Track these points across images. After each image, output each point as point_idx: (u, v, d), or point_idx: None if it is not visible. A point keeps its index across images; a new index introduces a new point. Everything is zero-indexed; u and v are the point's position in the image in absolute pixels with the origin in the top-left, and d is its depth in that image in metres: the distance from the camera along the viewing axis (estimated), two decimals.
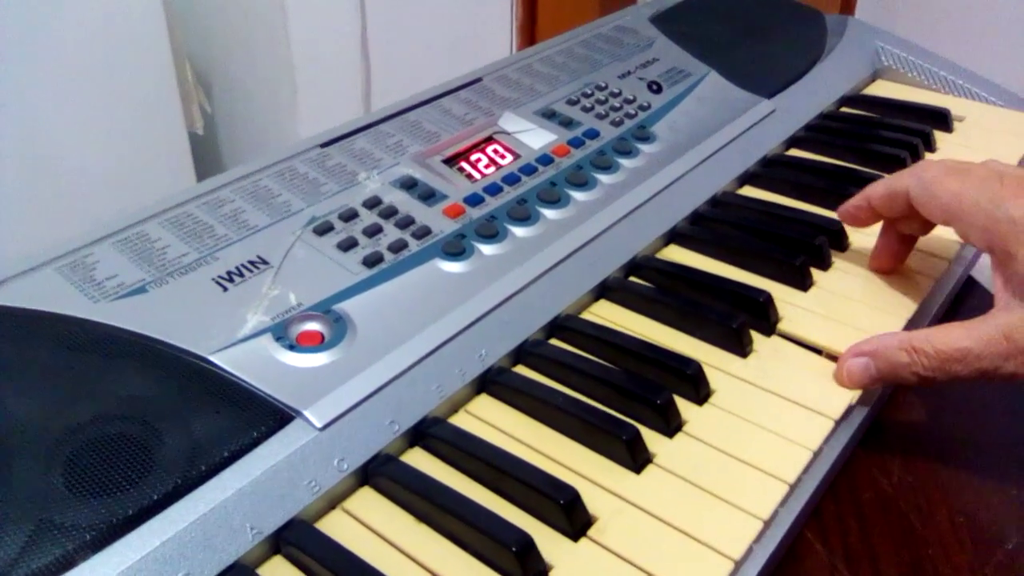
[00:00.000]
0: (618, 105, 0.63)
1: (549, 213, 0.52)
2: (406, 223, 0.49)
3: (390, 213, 0.49)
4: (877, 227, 0.52)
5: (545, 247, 0.50)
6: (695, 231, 0.55)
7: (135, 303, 0.42)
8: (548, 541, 0.35)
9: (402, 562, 0.35)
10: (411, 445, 0.40)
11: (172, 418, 0.37)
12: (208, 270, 0.44)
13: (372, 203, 0.50)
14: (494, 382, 0.43)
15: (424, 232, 0.48)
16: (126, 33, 1.08)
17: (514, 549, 0.34)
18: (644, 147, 0.59)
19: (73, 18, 1.03)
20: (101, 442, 0.36)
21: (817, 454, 0.40)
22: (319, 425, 0.38)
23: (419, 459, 0.40)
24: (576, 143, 0.58)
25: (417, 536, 0.36)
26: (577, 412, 0.41)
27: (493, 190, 0.53)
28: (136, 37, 1.10)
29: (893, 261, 0.52)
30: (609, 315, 0.49)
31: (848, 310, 0.49)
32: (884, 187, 0.49)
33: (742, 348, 0.46)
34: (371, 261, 0.46)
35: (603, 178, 0.56)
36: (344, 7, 1.27)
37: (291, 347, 0.41)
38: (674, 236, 0.55)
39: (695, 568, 0.35)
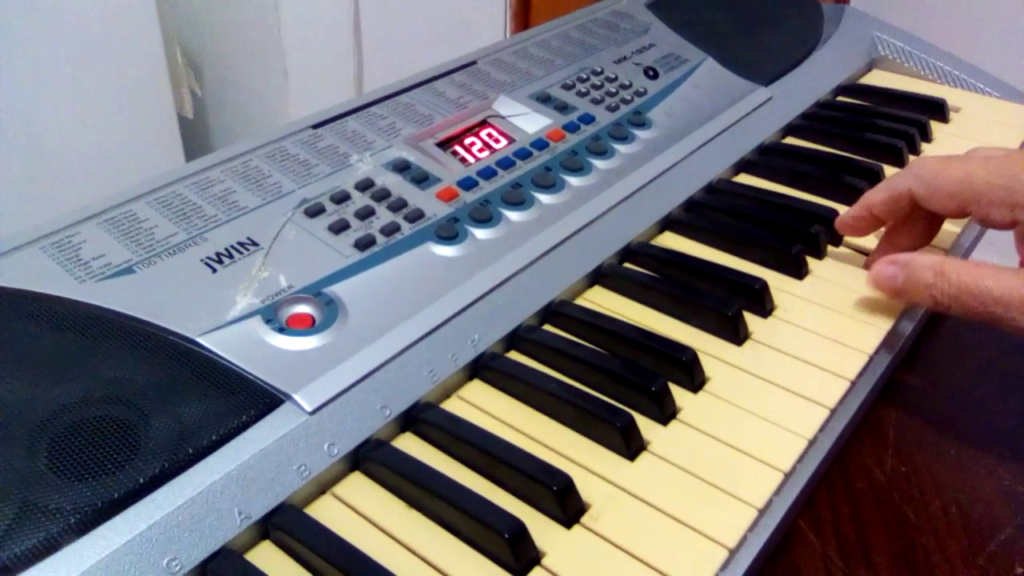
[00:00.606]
0: (614, 90, 0.62)
1: (543, 198, 0.51)
2: (399, 206, 0.48)
3: (382, 196, 0.49)
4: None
5: (539, 232, 0.49)
6: (690, 218, 0.55)
7: (122, 283, 0.41)
8: (541, 528, 0.35)
9: (393, 548, 0.35)
10: (402, 430, 0.40)
11: (159, 400, 0.36)
12: (197, 251, 0.43)
13: (364, 185, 0.49)
14: (487, 367, 0.43)
15: (417, 215, 0.48)
16: (115, 15, 1.07)
17: (506, 536, 0.33)
18: (640, 133, 0.59)
19: (63, 1, 1.01)
20: (86, 424, 0.35)
21: (812, 443, 0.40)
22: (309, 409, 0.37)
23: (410, 444, 0.39)
24: (571, 128, 0.57)
25: (408, 522, 0.36)
26: (571, 398, 0.40)
27: (487, 174, 0.52)
28: (126, 20, 1.08)
29: None
30: (603, 301, 0.48)
31: (844, 298, 0.49)
32: (884, 192, 0.48)
33: (737, 336, 0.45)
34: (363, 244, 0.45)
35: (598, 163, 0.55)
36: None
37: (281, 330, 0.40)
38: (669, 223, 0.55)
39: (689, 556, 0.34)
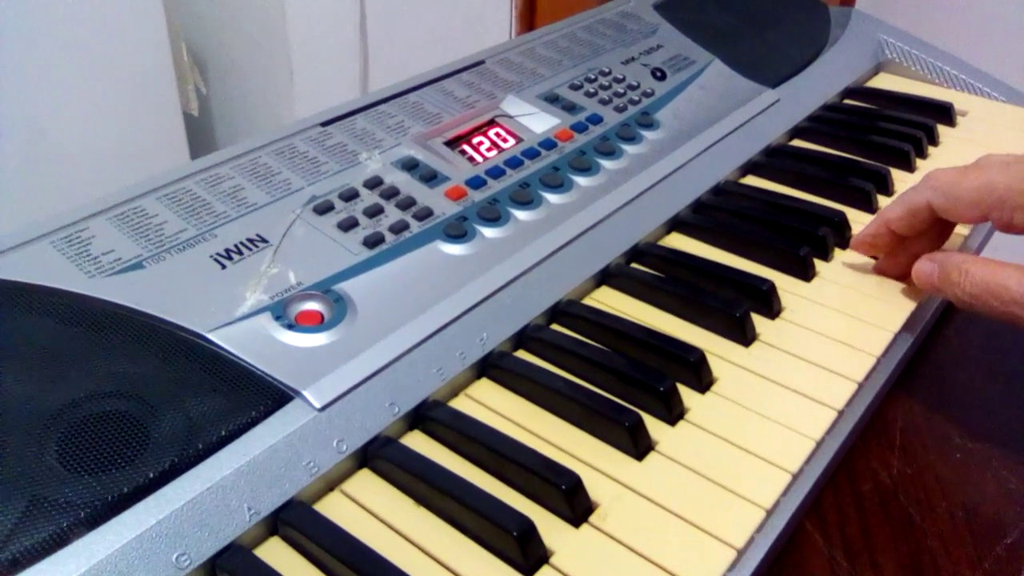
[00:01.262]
0: (622, 91, 0.62)
1: (551, 197, 0.51)
2: (407, 204, 0.48)
3: (391, 194, 0.49)
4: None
5: (547, 231, 0.49)
6: (698, 219, 0.55)
7: (132, 279, 0.41)
8: (549, 526, 0.35)
9: (401, 545, 0.35)
10: (411, 428, 0.40)
11: (169, 396, 0.36)
12: (206, 247, 0.43)
13: (373, 183, 0.49)
14: (495, 366, 0.43)
15: (425, 213, 0.48)
16: (122, 13, 1.07)
17: (515, 534, 0.33)
18: (647, 134, 0.59)
19: None
20: (96, 419, 0.35)
21: (819, 444, 0.40)
22: (318, 406, 0.37)
23: (419, 442, 0.39)
24: (579, 128, 0.57)
25: (416, 519, 0.36)
26: (579, 398, 0.40)
27: (495, 173, 0.52)
28: (132, 17, 1.08)
29: (901, 275, 0.51)
30: (611, 301, 0.48)
31: (851, 300, 0.49)
32: (901, 207, 0.48)
33: (745, 336, 0.45)
34: (372, 241, 0.45)
35: (606, 164, 0.55)
36: None
37: (290, 326, 0.40)
38: (676, 224, 0.55)
39: (697, 556, 0.34)
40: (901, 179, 0.61)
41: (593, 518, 0.36)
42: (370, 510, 0.36)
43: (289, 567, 0.34)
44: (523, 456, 0.37)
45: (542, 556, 0.34)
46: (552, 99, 0.60)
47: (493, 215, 0.49)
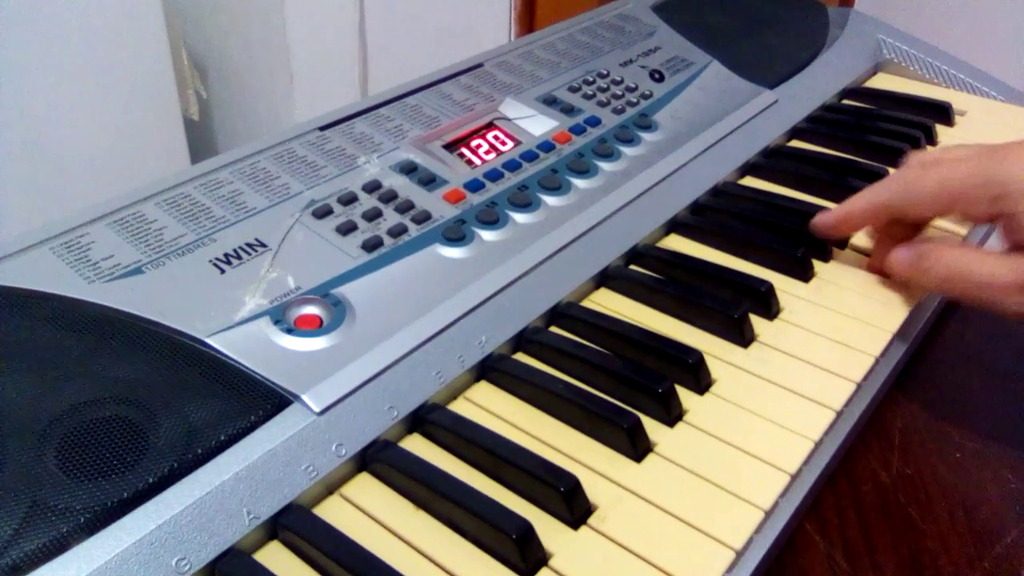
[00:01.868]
0: (620, 93, 0.63)
1: (550, 200, 0.52)
2: (406, 208, 0.48)
3: (390, 197, 0.49)
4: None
5: (546, 234, 0.49)
6: (696, 221, 0.55)
7: (131, 284, 0.41)
8: (548, 529, 0.35)
9: (400, 549, 0.35)
10: (410, 431, 0.40)
11: (168, 400, 0.36)
12: (205, 252, 0.44)
13: (372, 187, 0.49)
14: (494, 369, 0.43)
15: (424, 217, 0.48)
16: (122, 18, 1.07)
17: (514, 536, 0.33)
18: (646, 135, 0.59)
19: (70, 3, 1.02)
20: (96, 424, 0.35)
21: (818, 445, 0.40)
22: (317, 410, 0.37)
23: (418, 445, 0.39)
24: (577, 130, 0.58)
25: (416, 523, 0.36)
26: (578, 400, 0.40)
27: (494, 176, 0.52)
28: (132, 21, 1.09)
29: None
30: (610, 303, 0.48)
31: (849, 301, 0.49)
32: (864, 203, 0.49)
33: (743, 338, 0.45)
34: (370, 245, 0.45)
35: (604, 166, 0.55)
36: None
37: (289, 331, 0.40)
38: (675, 225, 0.55)
39: (696, 558, 0.34)
40: None
41: (592, 520, 0.36)
42: (369, 514, 0.36)
43: (289, 571, 0.34)
44: (522, 459, 0.37)
45: (541, 558, 0.34)
46: (550, 101, 0.60)
47: (491, 218, 0.49)
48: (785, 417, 0.41)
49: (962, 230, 0.56)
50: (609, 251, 0.50)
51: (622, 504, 0.37)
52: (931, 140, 0.66)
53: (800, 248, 0.51)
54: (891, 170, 0.61)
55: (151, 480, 0.34)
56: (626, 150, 0.57)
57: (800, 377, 0.43)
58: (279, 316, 0.41)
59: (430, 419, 0.40)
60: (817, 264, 0.52)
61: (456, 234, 0.47)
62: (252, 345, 0.39)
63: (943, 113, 0.69)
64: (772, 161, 0.62)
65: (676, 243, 0.54)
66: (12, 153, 1.03)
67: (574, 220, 0.51)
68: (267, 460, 0.35)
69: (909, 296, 0.49)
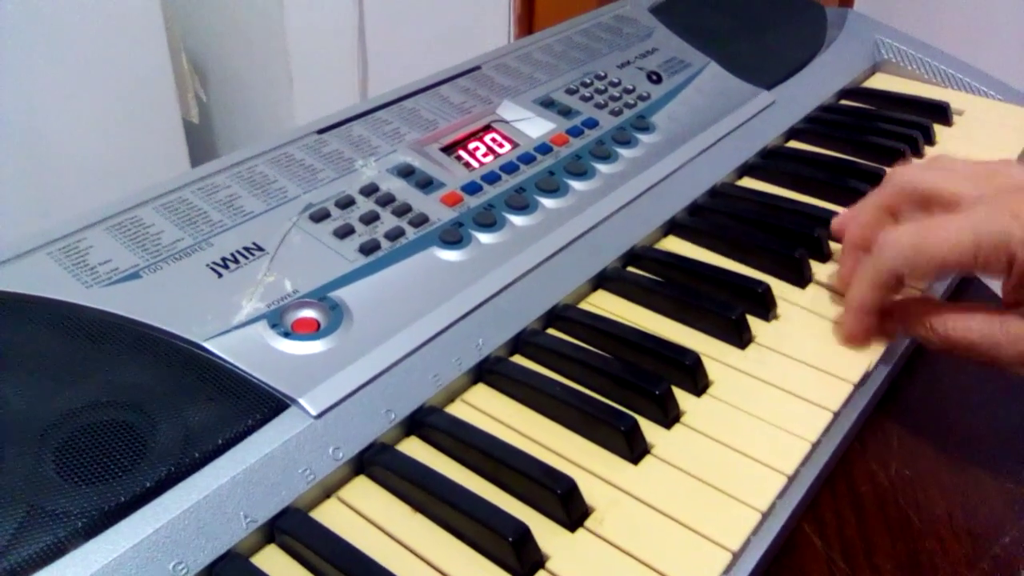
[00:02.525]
0: (617, 95, 0.63)
1: (547, 202, 0.52)
2: (403, 211, 0.48)
3: (387, 200, 0.49)
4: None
5: (543, 236, 0.49)
6: (694, 222, 0.55)
7: (129, 288, 0.41)
8: (545, 531, 0.35)
9: (398, 552, 0.35)
10: (407, 434, 0.40)
11: (165, 405, 0.36)
12: (203, 256, 0.44)
13: (369, 190, 0.49)
14: (491, 371, 0.43)
15: (421, 220, 0.48)
16: (121, 21, 1.07)
17: (511, 539, 0.33)
18: (643, 137, 0.59)
19: (69, 6, 1.02)
20: (93, 428, 0.35)
21: (815, 446, 0.40)
22: (314, 413, 0.37)
23: (415, 448, 0.39)
24: (575, 132, 0.58)
25: (413, 526, 0.36)
26: (575, 402, 0.41)
27: (491, 179, 0.52)
28: (131, 25, 1.09)
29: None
30: (607, 305, 0.49)
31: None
32: (872, 287, 0.44)
33: (740, 339, 0.45)
34: (368, 248, 0.46)
35: (602, 168, 0.55)
36: None
37: (286, 334, 0.40)
38: (673, 227, 0.55)
39: (693, 559, 0.34)
40: None
41: (589, 522, 0.36)
42: (367, 517, 0.36)
43: (286, 575, 0.34)
44: (519, 461, 0.37)
45: (538, 561, 0.34)
46: (548, 104, 0.60)
47: (489, 220, 0.49)
48: (782, 418, 0.41)
49: None
50: (607, 253, 0.50)
51: (619, 506, 0.37)
52: (929, 140, 0.66)
53: (797, 249, 0.51)
54: (889, 171, 0.61)
55: (148, 484, 0.34)
56: (624, 152, 0.57)
57: (797, 378, 0.43)
58: (276, 320, 0.41)
59: (427, 422, 0.40)
60: (815, 265, 0.51)
61: (453, 237, 0.47)
62: (249, 349, 0.39)
63: (941, 113, 0.69)
64: (770, 162, 0.62)
65: (674, 245, 0.54)
66: (12, 156, 1.03)
67: (571, 222, 0.51)
68: (264, 464, 0.35)
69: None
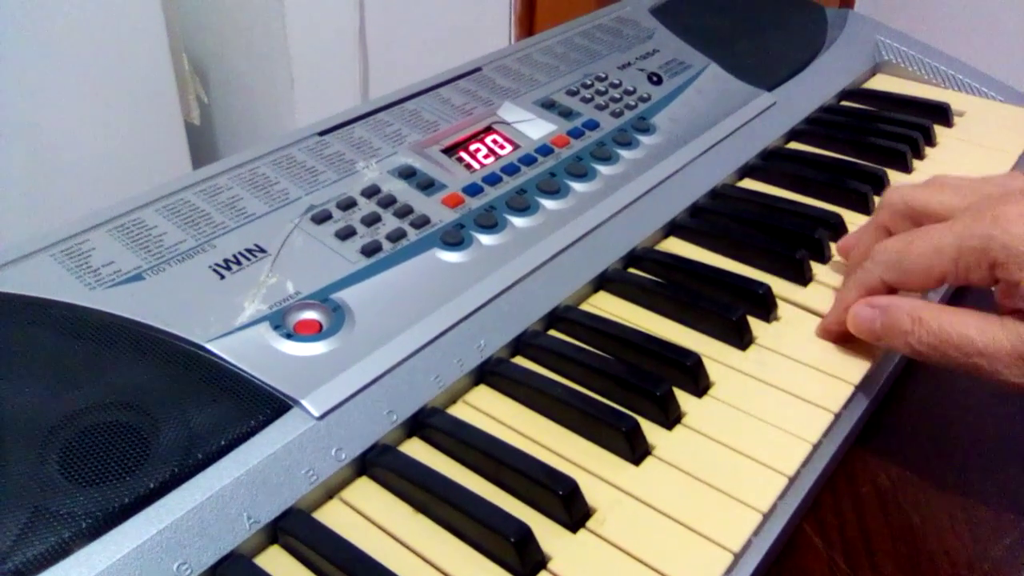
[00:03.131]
0: (618, 96, 0.63)
1: (548, 204, 0.52)
2: (405, 212, 0.49)
3: (389, 202, 0.49)
4: None
5: (544, 238, 0.49)
6: (695, 223, 0.55)
7: (131, 290, 0.41)
8: (547, 532, 0.35)
9: (400, 552, 0.35)
10: (409, 435, 0.40)
11: (168, 406, 0.37)
12: (205, 258, 0.44)
13: (371, 192, 0.50)
14: (493, 373, 0.43)
15: (423, 221, 0.48)
16: (123, 22, 1.08)
17: (513, 540, 0.33)
18: (644, 138, 0.59)
19: (70, 8, 1.02)
20: (97, 430, 0.35)
21: (816, 447, 0.40)
22: (317, 414, 0.38)
23: (417, 449, 0.40)
24: (576, 134, 0.58)
25: (415, 526, 0.36)
26: (576, 403, 0.41)
27: (492, 180, 0.52)
28: (133, 26, 1.09)
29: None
30: (608, 306, 0.49)
31: None
32: (857, 291, 0.44)
33: (741, 340, 0.45)
34: (369, 250, 0.46)
35: (603, 169, 0.55)
36: None
37: (289, 336, 0.41)
38: (674, 228, 0.55)
39: (694, 560, 0.35)
40: (898, 180, 0.61)
41: (590, 523, 0.36)
42: (369, 517, 0.36)
43: (289, 575, 0.34)
44: (521, 462, 0.38)
45: (540, 562, 0.34)
46: (549, 105, 0.60)
47: (490, 222, 0.49)
48: (783, 419, 0.41)
49: None
50: (608, 254, 0.51)
51: (620, 507, 0.37)
52: (930, 141, 0.66)
53: (798, 250, 0.51)
54: (890, 172, 0.61)
55: (152, 485, 0.34)
56: (624, 153, 0.57)
57: (798, 379, 0.43)
58: (279, 321, 0.41)
59: (429, 423, 0.40)
60: (815, 266, 0.52)
61: (455, 238, 0.47)
62: (252, 350, 0.39)
63: (942, 114, 0.69)
64: (771, 163, 0.62)
65: (675, 246, 0.54)
66: (14, 158, 1.03)
67: (572, 224, 0.51)
68: (267, 465, 0.36)
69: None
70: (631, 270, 0.52)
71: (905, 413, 0.46)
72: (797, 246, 0.51)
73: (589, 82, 0.64)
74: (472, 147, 0.55)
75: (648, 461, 0.39)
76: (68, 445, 0.35)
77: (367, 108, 0.57)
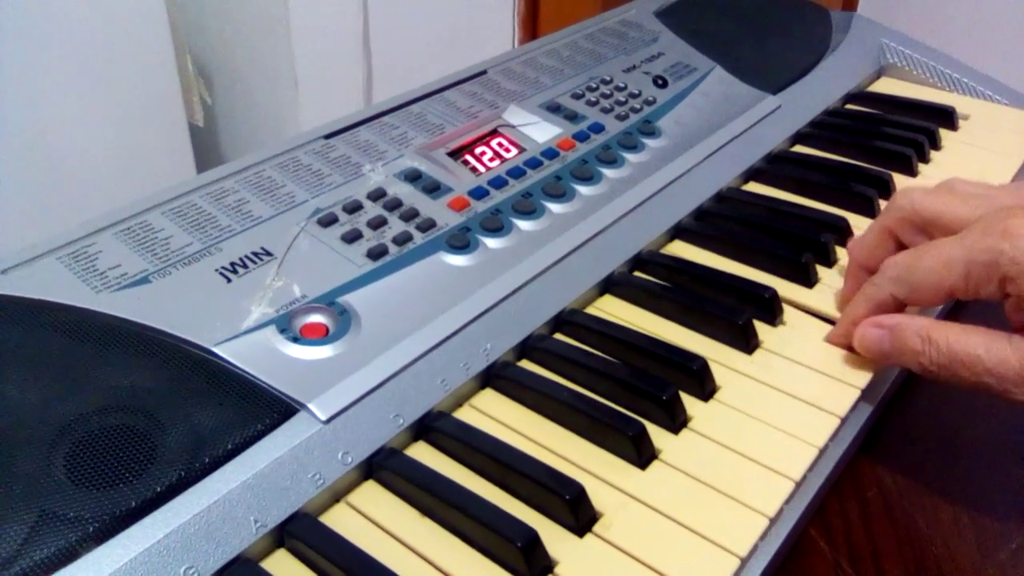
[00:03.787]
0: (623, 99, 0.63)
1: (554, 207, 0.52)
2: (411, 215, 0.49)
3: (395, 205, 0.49)
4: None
5: (550, 241, 0.49)
6: (700, 227, 0.55)
7: (138, 293, 0.41)
8: (553, 536, 0.35)
9: (406, 556, 0.35)
10: (415, 439, 0.40)
11: (175, 410, 0.37)
12: (211, 261, 0.44)
13: (376, 195, 0.50)
14: (499, 376, 0.43)
15: (429, 225, 0.48)
16: (126, 23, 1.08)
17: (519, 544, 0.33)
18: (649, 142, 0.59)
19: (74, 9, 1.02)
20: (103, 433, 0.35)
21: (823, 451, 0.40)
22: (323, 418, 0.38)
23: (423, 453, 0.40)
24: (581, 137, 0.58)
25: (421, 531, 0.36)
26: (582, 407, 0.41)
27: (498, 183, 0.52)
28: (137, 28, 1.09)
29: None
30: (614, 310, 0.49)
31: None
32: (866, 307, 0.44)
33: (747, 344, 0.45)
34: (376, 253, 0.46)
35: (608, 172, 0.55)
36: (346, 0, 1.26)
37: (295, 339, 0.41)
38: (679, 232, 0.55)
39: (700, 565, 0.35)
40: (903, 184, 0.61)
41: (597, 527, 0.36)
42: (375, 521, 0.36)
43: None
44: (527, 466, 0.38)
45: (546, 566, 0.34)
46: (554, 108, 0.60)
47: (496, 225, 0.49)
48: (789, 423, 0.41)
49: None
50: (613, 258, 0.51)
51: (627, 511, 0.37)
52: (935, 144, 0.66)
53: (804, 254, 0.51)
54: (896, 175, 0.61)
55: (159, 489, 0.34)
56: (630, 156, 0.57)
57: (804, 383, 0.43)
58: (285, 325, 0.41)
59: (436, 427, 0.40)
60: (821, 270, 0.52)
61: (461, 242, 0.47)
62: (258, 354, 0.40)
63: (947, 117, 0.69)
64: (776, 167, 0.62)
65: (680, 249, 0.54)
66: (17, 161, 1.03)
67: (578, 227, 0.51)
68: (274, 468, 0.36)
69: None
70: (637, 274, 0.52)
71: (911, 417, 0.46)
72: (803, 250, 0.51)
73: (594, 85, 0.64)
74: (478, 150, 0.55)
75: (654, 465, 0.39)
76: (75, 448, 0.35)
77: (373, 111, 0.57)
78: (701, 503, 0.37)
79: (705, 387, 0.43)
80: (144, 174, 1.14)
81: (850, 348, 0.45)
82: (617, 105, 0.62)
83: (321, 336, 0.41)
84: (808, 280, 0.50)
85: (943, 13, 1.60)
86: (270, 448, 0.36)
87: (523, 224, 0.50)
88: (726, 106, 0.65)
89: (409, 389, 0.40)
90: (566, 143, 0.57)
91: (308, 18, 1.23)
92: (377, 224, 0.48)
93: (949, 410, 0.47)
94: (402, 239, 0.47)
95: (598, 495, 0.37)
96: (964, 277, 0.39)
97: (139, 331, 0.40)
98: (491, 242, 0.48)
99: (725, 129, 0.63)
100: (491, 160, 0.55)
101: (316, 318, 0.42)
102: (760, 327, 0.47)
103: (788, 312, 0.48)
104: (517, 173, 0.54)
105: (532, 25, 1.42)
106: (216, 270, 0.43)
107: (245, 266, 0.44)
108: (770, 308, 0.47)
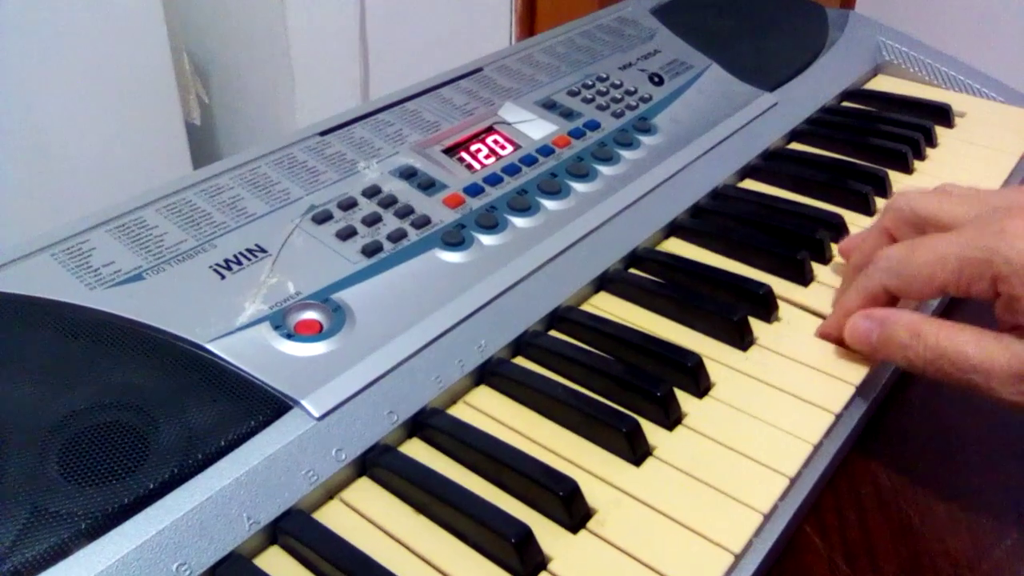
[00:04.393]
0: (619, 96, 0.63)
1: (549, 204, 0.52)
2: (405, 212, 0.49)
3: (389, 202, 0.49)
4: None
5: (545, 238, 0.49)
6: (696, 224, 0.55)
7: (132, 290, 0.41)
8: (547, 533, 0.35)
9: (400, 553, 0.35)
10: (410, 436, 0.40)
11: (168, 406, 0.37)
12: (206, 258, 0.44)
13: (371, 192, 0.49)
14: (493, 373, 0.43)
15: (424, 222, 0.48)
16: (123, 22, 1.08)
17: (513, 541, 0.33)
18: (645, 139, 0.59)
19: (71, 8, 1.02)
20: (96, 430, 0.35)
21: (817, 448, 0.40)
22: (317, 415, 0.38)
23: (418, 450, 0.39)
24: (577, 134, 0.58)
25: (415, 527, 0.36)
26: (577, 404, 0.41)
27: (493, 180, 0.52)
28: (133, 26, 1.09)
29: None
30: (609, 307, 0.49)
31: None
32: (859, 297, 0.44)
33: (742, 341, 0.45)
34: (370, 250, 0.46)
35: (604, 169, 0.55)
36: None
37: (289, 336, 0.40)
38: (675, 229, 0.55)
39: (694, 561, 0.34)
40: (899, 181, 0.61)
41: (591, 524, 0.36)
42: (369, 518, 0.36)
43: None
44: (521, 463, 0.37)
45: (540, 562, 0.34)
46: (550, 105, 0.60)
47: (491, 222, 0.49)
48: (784, 420, 0.41)
49: None
50: (608, 255, 0.50)
51: (621, 508, 0.37)
52: (931, 142, 0.66)
53: (800, 251, 0.51)
54: (891, 172, 0.61)
55: (152, 485, 0.34)
56: (625, 154, 0.57)
57: (799, 380, 0.43)
58: (279, 321, 0.41)
59: (430, 424, 0.40)
60: (817, 267, 0.52)
61: (455, 239, 0.47)
62: (252, 351, 0.39)
63: (943, 115, 0.69)
64: (772, 164, 0.62)
65: (676, 246, 0.54)
66: (14, 158, 1.03)
67: (573, 224, 0.51)
68: (267, 465, 0.36)
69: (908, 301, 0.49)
70: (632, 270, 0.52)
71: (906, 414, 0.46)
72: (798, 246, 0.51)
73: (590, 82, 0.64)
74: (473, 147, 0.55)
75: (649, 462, 0.39)
76: (68, 445, 0.35)
77: (368, 108, 0.57)
78: (695, 500, 0.37)
79: (700, 384, 0.43)
80: (141, 172, 1.14)
81: (841, 340, 0.45)
82: (613, 102, 0.62)
83: (315, 333, 0.41)
84: (803, 277, 0.50)
85: (939, 11, 1.60)
86: (263, 445, 0.36)
87: (518, 221, 0.50)
88: (722, 103, 0.65)
89: (403, 386, 0.40)
90: (562, 140, 0.57)
91: (305, 16, 1.23)
92: (372, 221, 0.47)
93: (944, 406, 0.47)
94: (397, 236, 0.47)
95: (592, 491, 0.37)
96: (957, 272, 0.39)
97: (133, 328, 0.40)
98: (486, 239, 0.48)
99: (721, 126, 0.63)
100: (486, 157, 0.55)
101: (310, 315, 0.42)
102: (755, 324, 0.47)
103: (783, 309, 0.48)
104: (512, 170, 0.54)
105: (529, 22, 1.42)
106: (210, 267, 0.43)
107: (239, 263, 0.44)
108: (765, 305, 0.47)
